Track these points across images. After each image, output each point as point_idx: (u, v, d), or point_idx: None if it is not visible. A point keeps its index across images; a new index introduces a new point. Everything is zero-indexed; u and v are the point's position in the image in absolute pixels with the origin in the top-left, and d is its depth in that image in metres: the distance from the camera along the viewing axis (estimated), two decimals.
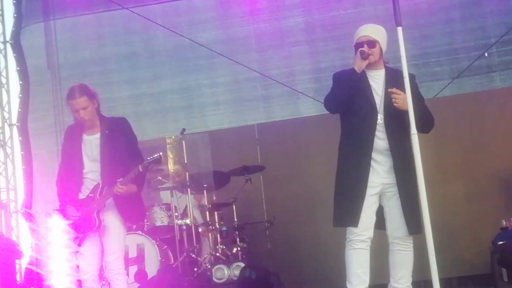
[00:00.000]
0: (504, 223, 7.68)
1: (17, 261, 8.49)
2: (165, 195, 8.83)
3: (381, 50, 5.50)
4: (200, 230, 8.54)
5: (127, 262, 7.51)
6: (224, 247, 8.30)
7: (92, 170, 5.99)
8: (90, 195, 5.94)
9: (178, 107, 9.58)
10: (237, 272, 7.56)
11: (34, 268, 7.30)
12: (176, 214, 8.45)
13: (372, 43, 5.45)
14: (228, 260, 8.01)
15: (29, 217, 8.73)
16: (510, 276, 7.02)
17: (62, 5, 9.56)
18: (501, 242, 7.33)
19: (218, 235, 8.37)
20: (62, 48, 9.54)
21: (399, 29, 5.05)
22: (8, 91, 9.68)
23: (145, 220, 8.14)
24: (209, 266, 7.96)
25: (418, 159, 4.94)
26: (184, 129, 8.61)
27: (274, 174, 8.99)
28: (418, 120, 5.07)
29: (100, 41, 9.73)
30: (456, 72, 8.83)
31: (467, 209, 8.66)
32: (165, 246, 8.27)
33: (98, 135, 6.01)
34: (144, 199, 6.45)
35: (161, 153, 5.96)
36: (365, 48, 5.41)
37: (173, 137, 8.83)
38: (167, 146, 8.76)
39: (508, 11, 8.85)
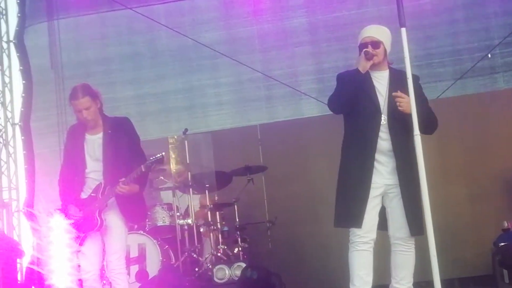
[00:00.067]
0: (506, 224, 7.69)
1: (18, 260, 8.50)
2: (165, 195, 8.85)
3: (385, 51, 5.49)
4: (201, 230, 8.54)
5: (129, 261, 7.52)
6: (225, 247, 8.31)
7: (94, 169, 5.99)
8: (92, 194, 5.94)
9: (181, 107, 9.57)
10: (238, 272, 7.57)
11: (35, 268, 7.29)
12: (178, 214, 8.46)
13: (376, 44, 5.44)
14: (230, 260, 8.02)
15: (31, 216, 8.74)
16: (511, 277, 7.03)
17: (66, 5, 9.56)
18: (502, 244, 7.34)
19: (220, 235, 8.38)
20: (65, 48, 9.54)
21: (403, 30, 5.05)
22: (11, 91, 9.69)
23: (147, 220, 8.14)
24: (210, 266, 7.96)
25: (421, 160, 4.94)
26: (186, 129, 8.62)
27: (276, 175, 8.99)
28: (422, 122, 5.07)
29: (103, 41, 9.73)
30: (459, 73, 8.82)
31: (470, 210, 8.65)
32: (167, 246, 8.28)
33: (100, 135, 6.01)
34: (146, 199, 6.45)
35: (163, 153, 5.95)
36: (370, 49, 5.41)
37: (175, 137, 8.85)
38: (170, 146, 8.77)
39: (511, 12, 8.83)
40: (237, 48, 9.30)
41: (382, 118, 5.41)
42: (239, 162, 8.63)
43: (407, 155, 5.28)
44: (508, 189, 8.60)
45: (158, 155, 5.89)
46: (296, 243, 8.88)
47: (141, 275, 7.90)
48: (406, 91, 5.12)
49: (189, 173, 8.53)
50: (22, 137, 9.54)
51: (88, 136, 6.04)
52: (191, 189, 8.49)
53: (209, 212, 8.51)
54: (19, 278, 8.49)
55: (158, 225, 8.39)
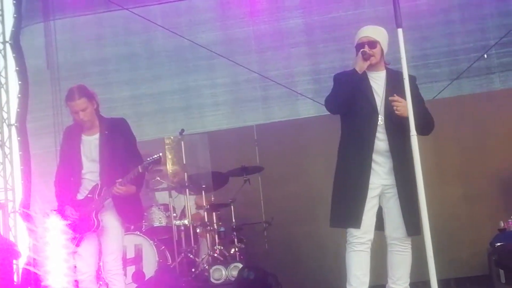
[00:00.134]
0: (502, 224, 7.69)
1: (14, 261, 8.47)
2: (161, 196, 8.85)
3: (382, 51, 5.50)
4: (198, 230, 8.54)
5: (125, 262, 7.48)
6: (222, 248, 8.30)
7: (90, 170, 5.99)
8: (89, 195, 5.94)
9: (178, 108, 9.56)
10: (235, 273, 7.57)
11: (31, 269, 7.30)
12: (175, 214, 8.46)
13: (372, 44, 5.45)
14: (226, 261, 8.02)
15: (27, 217, 8.73)
16: (508, 277, 7.03)
17: (62, 5, 9.55)
18: (499, 244, 7.33)
19: (216, 236, 8.37)
20: (61, 48, 9.53)
21: (400, 30, 5.05)
22: (7, 91, 9.66)
23: (143, 221, 8.13)
24: (207, 267, 7.96)
25: (418, 160, 4.94)
26: (183, 130, 8.61)
27: (272, 175, 8.98)
28: (418, 123, 5.07)
29: (100, 42, 9.72)
30: (455, 74, 8.82)
31: (466, 210, 8.65)
32: (163, 247, 8.27)
33: (97, 136, 6.01)
34: (142, 200, 6.46)
35: (160, 154, 5.95)
36: (366, 49, 5.42)
37: (172, 137, 8.85)
38: (166, 146, 8.77)
39: (507, 13, 8.85)
40: (234, 49, 9.30)
41: (379, 118, 5.42)
42: (236, 163, 8.62)
43: (404, 155, 5.28)
44: (505, 189, 8.61)
45: (155, 156, 5.89)
46: (293, 243, 8.88)
47: (138, 276, 7.90)
48: (403, 92, 5.12)
49: (185, 173, 8.52)
50: (18, 138, 9.51)
51: (84, 137, 6.04)
52: (187, 190, 8.48)
53: (205, 213, 8.51)
54: (15, 279, 8.47)
55: (155, 225, 8.38)
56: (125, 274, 6.69)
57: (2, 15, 9.76)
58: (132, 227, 7.91)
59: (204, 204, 8.48)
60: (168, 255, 8.27)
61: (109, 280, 6.00)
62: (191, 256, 8.29)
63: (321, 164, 8.26)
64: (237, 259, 8.11)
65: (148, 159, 5.88)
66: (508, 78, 8.90)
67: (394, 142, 5.38)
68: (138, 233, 8.12)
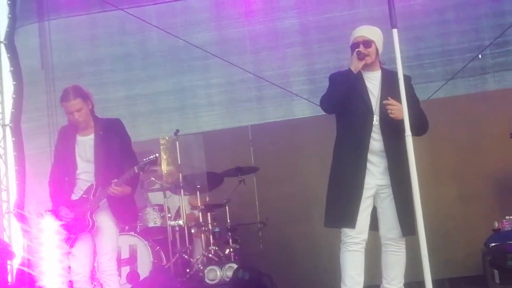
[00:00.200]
0: (496, 224, 7.69)
1: (9, 262, 8.45)
2: (154, 196, 8.85)
3: (377, 50, 5.51)
4: (192, 231, 8.54)
5: (120, 263, 7.48)
6: (216, 248, 8.29)
7: (85, 171, 5.98)
8: (84, 196, 5.93)
9: (172, 108, 9.55)
10: (229, 273, 7.57)
11: (26, 269, 7.29)
12: (169, 215, 8.45)
13: (367, 43, 5.46)
14: (221, 261, 8.02)
15: (21, 218, 8.71)
16: (502, 277, 7.03)
17: (57, 5, 9.53)
18: (493, 244, 7.33)
19: (211, 236, 8.37)
20: (56, 48, 9.51)
21: (395, 31, 5.05)
22: (1, 92, 9.62)
23: (138, 221, 8.13)
24: (201, 267, 7.96)
25: (412, 160, 4.94)
26: (178, 130, 8.60)
27: (267, 175, 8.98)
28: (413, 123, 5.08)
29: (94, 42, 9.70)
30: (450, 74, 8.83)
31: (461, 210, 8.66)
32: (158, 247, 8.26)
33: (92, 136, 6.01)
34: (137, 200, 6.45)
35: (157, 154, 5.95)
36: (361, 48, 5.42)
37: (166, 138, 8.84)
38: (161, 147, 8.76)
39: (502, 13, 8.86)
40: (229, 49, 9.29)
41: (374, 118, 5.42)
42: (230, 163, 8.62)
43: (398, 155, 5.28)
44: (499, 190, 8.61)
45: (152, 157, 5.89)
46: (288, 243, 8.88)
47: (132, 276, 7.89)
48: (398, 92, 5.12)
49: (180, 174, 8.52)
50: (13, 138, 9.49)
51: (79, 138, 6.03)
52: (182, 190, 8.48)
53: (200, 213, 8.50)
54: (9, 279, 8.45)
55: (149, 226, 8.37)
56: (119, 275, 6.70)
57: None
58: (127, 227, 7.90)
59: (199, 205, 8.48)
60: (163, 255, 8.26)
61: (103, 280, 5.99)
62: (185, 256, 8.28)
63: (316, 164, 8.26)
64: (232, 259, 8.11)
65: (145, 159, 5.88)
66: (502, 78, 8.91)
67: (389, 142, 5.39)
68: (133, 233, 8.11)
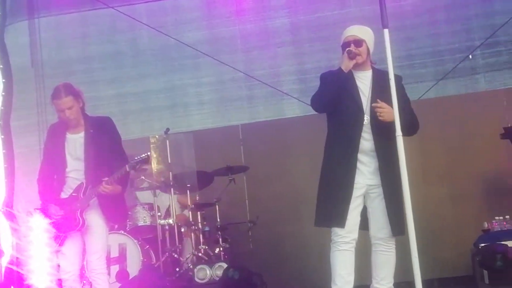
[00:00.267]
0: (486, 225, 7.71)
1: None
2: (142, 195, 8.83)
3: (368, 50, 5.51)
4: (182, 230, 8.52)
5: (109, 261, 7.48)
6: (206, 247, 8.29)
7: (75, 169, 5.97)
8: (73, 194, 5.92)
9: (163, 107, 9.50)
10: (219, 273, 7.57)
11: (14, 268, 7.24)
12: (159, 214, 8.44)
13: (358, 42, 5.46)
14: (210, 260, 8.02)
15: (10, 216, 8.65)
16: (491, 277, 7.07)
17: (47, 3, 9.47)
18: (482, 244, 7.36)
19: (201, 235, 8.37)
20: (46, 46, 9.44)
21: (386, 31, 5.05)
22: None
23: (128, 220, 8.11)
24: (191, 266, 7.95)
25: (403, 160, 4.95)
26: (168, 129, 8.59)
27: (257, 175, 8.99)
28: (404, 123, 5.10)
29: (85, 40, 9.65)
30: (440, 74, 8.82)
31: (450, 211, 8.68)
32: (147, 246, 8.25)
33: (82, 134, 5.99)
34: (126, 199, 6.43)
35: (148, 153, 5.95)
36: (352, 48, 5.42)
37: (157, 136, 8.82)
38: (151, 145, 8.74)
39: (492, 13, 8.85)
40: (219, 48, 9.26)
41: (365, 118, 5.42)
42: (221, 162, 8.62)
43: (389, 155, 5.28)
44: (489, 190, 8.65)
45: (143, 155, 5.88)
46: (278, 243, 8.89)
47: (122, 275, 7.87)
48: (389, 92, 5.13)
49: (170, 173, 8.50)
50: (2, 136, 9.40)
51: (69, 135, 6.02)
52: (172, 189, 8.46)
53: (190, 212, 8.49)
54: None
55: (139, 225, 8.36)
56: (109, 273, 6.70)
57: None
58: (116, 226, 7.87)
59: (189, 204, 8.47)
60: (153, 254, 8.24)
61: (92, 279, 5.98)
62: (175, 255, 8.27)
63: (306, 164, 8.26)
64: (222, 258, 8.11)
65: (136, 158, 5.87)
66: (493, 78, 8.90)
67: (379, 142, 5.39)
68: (122, 232, 8.09)
